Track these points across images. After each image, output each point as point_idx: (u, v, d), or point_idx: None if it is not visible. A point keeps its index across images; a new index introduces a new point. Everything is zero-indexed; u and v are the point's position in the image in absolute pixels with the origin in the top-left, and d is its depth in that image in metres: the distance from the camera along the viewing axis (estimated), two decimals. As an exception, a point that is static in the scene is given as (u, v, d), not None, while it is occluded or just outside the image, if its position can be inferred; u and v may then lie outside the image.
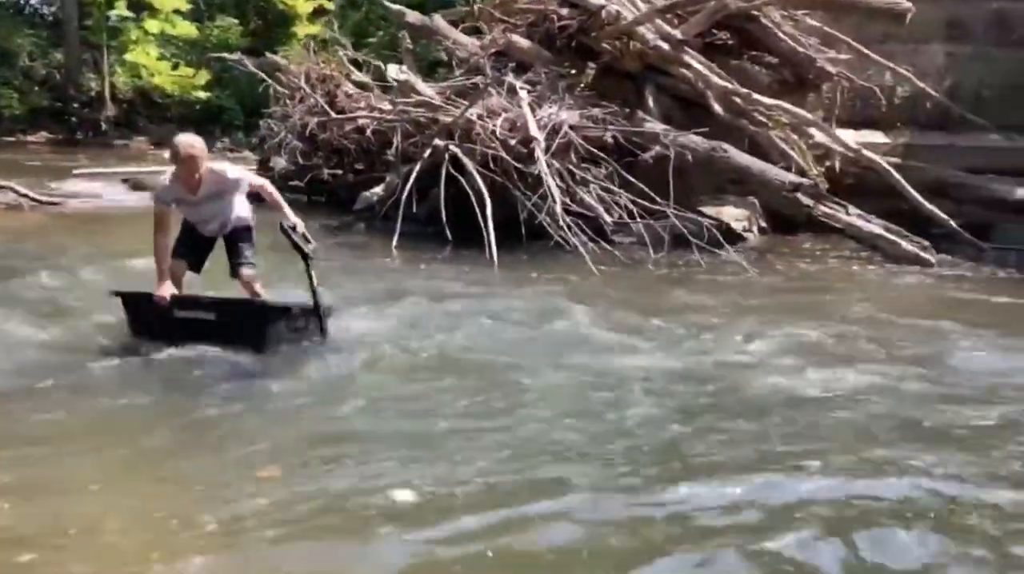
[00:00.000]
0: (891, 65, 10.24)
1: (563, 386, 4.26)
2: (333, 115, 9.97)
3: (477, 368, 4.45)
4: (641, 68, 9.51)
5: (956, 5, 11.25)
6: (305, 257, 4.62)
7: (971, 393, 4.28)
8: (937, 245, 8.36)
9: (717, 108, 9.07)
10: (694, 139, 8.63)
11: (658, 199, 8.03)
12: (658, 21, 9.36)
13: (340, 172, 10.18)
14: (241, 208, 4.86)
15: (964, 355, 4.93)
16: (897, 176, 8.92)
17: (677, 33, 9.25)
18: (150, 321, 4.62)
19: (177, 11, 20.18)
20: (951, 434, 3.76)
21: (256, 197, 4.88)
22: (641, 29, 9.24)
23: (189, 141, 4.59)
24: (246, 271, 4.84)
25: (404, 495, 2.96)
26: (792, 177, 8.58)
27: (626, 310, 5.73)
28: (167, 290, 4.57)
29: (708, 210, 8.83)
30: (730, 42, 9.86)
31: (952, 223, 8.85)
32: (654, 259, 7.69)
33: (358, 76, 10.90)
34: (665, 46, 9.18)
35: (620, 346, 4.89)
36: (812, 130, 9.42)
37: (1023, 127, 10.97)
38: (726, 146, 8.67)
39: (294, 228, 4.60)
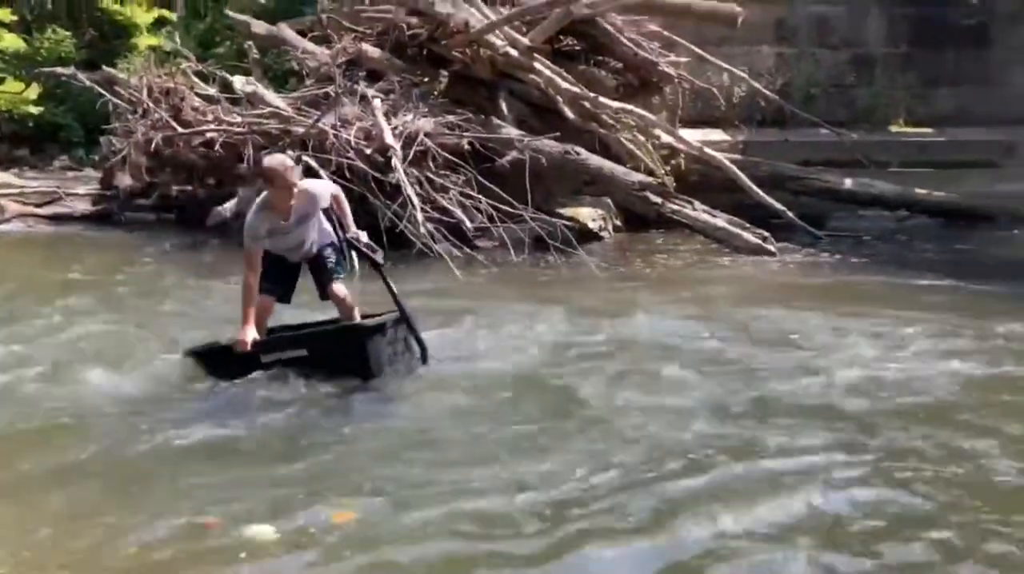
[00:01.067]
0: (728, 67, 10.82)
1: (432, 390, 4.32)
2: (179, 129, 9.62)
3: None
4: (493, 75, 9.68)
5: (782, 9, 12.06)
6: (378, 267, 4.40)
7: (817, 365, 4.62)
8: (777, 235, 8.86)
9: (568, 112, 9.36)
10: (548, 143, 8.85)
11: (516, 203, 8.19)
12: (506, 28, 9.54)
13: (190, 188, 9.84)
14: (324, 223, 4.51)
15: (805, 331, 5.30)
16: (738, 172, 9.43)
17: (525, 40, 9.46)
18: (234, 371, 4.29)
19: (1, 23, 18.90)
20: (798, 407, 4.05)
21: None
22: (490, 36, 9.40)
23: (282, 162, 4.28)
24: (339, 288, 4.50)
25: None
26: (640, 177, 8.95)
27: (499, 310, 5.86)
28: (249, 335, 4.22)
29: (566, 211, 9.08)
30: (577, 48, 10.17)
31: (790, 214, 9.42)
32: (516, 261, 7.86)
33: (204, 89, 10.56)
34: (514, 53, 9.38)
35: (502, 348, 4.99)
36: (657, 131, 9.84)
37: (847, 122, 11.88)
38: (579, 149, 8.95)
39: (358, 239, 4.39)
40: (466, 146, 8.73)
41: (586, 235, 8.69)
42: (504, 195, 8.28)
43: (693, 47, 10.53)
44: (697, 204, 8.93)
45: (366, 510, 3.00)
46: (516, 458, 3.46)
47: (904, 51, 12.50)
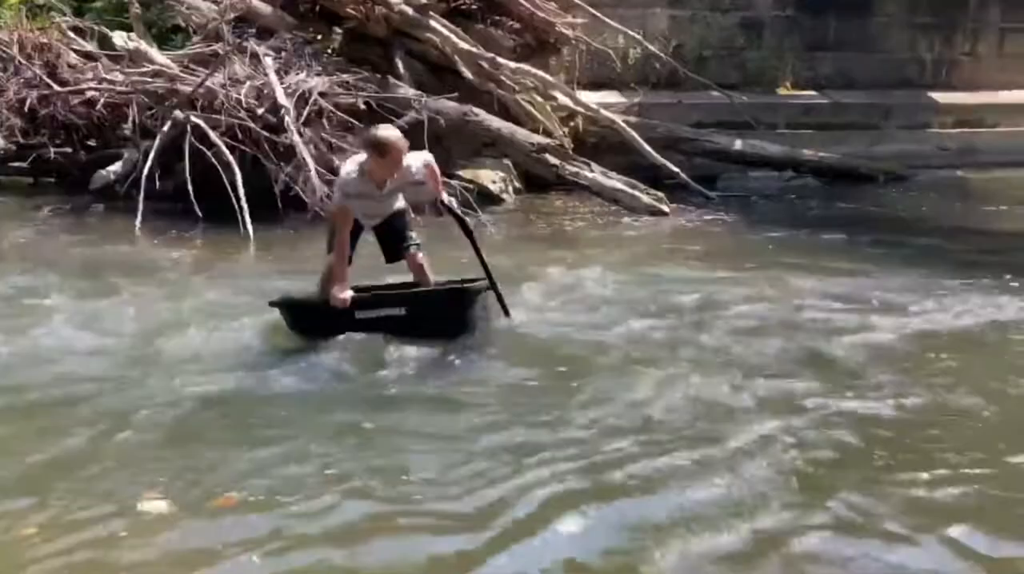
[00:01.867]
0: (623, 28, 10.92)
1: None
2: (56, 88, 9.10)
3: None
4: (389, 33, 9.49)
5: (675, -28, 12.21)
6: (471, 233, 4.40)
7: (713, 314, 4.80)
8: (672, 195, 9.09)
9: (467, 73, 9.27)
10: (446, 104, 8.77)
11: (414, 164, 8.11)
12: (402, -15, 9.36)
13: (70, 150, 9.34)
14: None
15: (701, 284, 5.49)
16: (633, 134, 9.59)
17: (421, -2, 9.31)
18: (323, 326, 4.26)
19: None
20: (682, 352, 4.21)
21: None
22: (385, -7, 9.20)
23: (397, 135, 4.21)
24: (417, 253, 4.48)
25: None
26: (538, 138, 8.99)
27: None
28: (346, 293, 4.22)
29: (466, 174, 9.06)
30: (474, 7, 10.05)
31: (683, 175, 9.66)
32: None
33: (82, 45, 9.99)
34: (409, 10, 9.22)
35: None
36: (555, 92, 9.88)
37: (738, 85, 12.20)
38: (477, 110, 8.91)
39: (452, 206, 4.42)
40: (362, 106, 8.57)
41: (487, 197, 8.69)
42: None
43: (589, 8, 10.57)
44: (594, 166, 9.03)
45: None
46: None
47: (790, 15, 12.87)
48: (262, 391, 3.84)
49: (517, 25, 10.16)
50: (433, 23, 9.32)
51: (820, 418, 3.48)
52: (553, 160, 8.90)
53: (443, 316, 4.34)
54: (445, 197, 4.49)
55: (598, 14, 10.53)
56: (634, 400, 3.70)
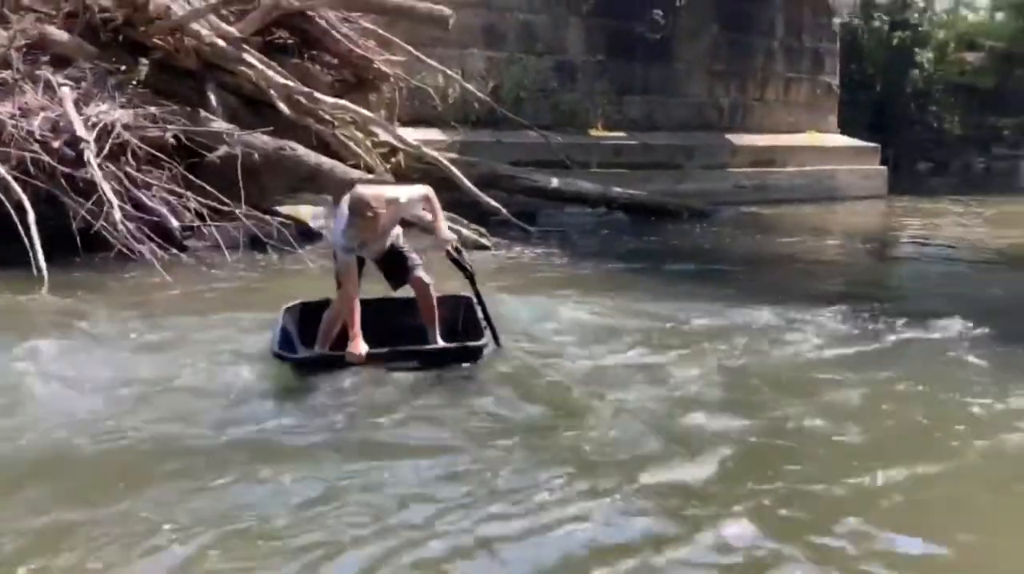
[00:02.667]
0: (441, 68, 11.08)
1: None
2: None
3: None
4: (200, 65, 9.16)
5: (491, 15, 12.58)
6: (471, 276, 4.52)
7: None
8: (493, 231, 9.26)
9: (283, 107, 9.08)
10: (261, 138, 8.55)
11: (227, 201, 7.84)
12: (212, 17, 9.08)
13: None
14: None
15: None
16: (454, 170, 9.70)
17: (234, 30, 9.07)
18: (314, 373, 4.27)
19: None
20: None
21: None
22: (195, 25, 8.89)
23: (373, 195, 4.24)
24: (424, 275, 4.53)
25: None
26: (360, 174, 8.90)
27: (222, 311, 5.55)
28: (363, 348, 4.20)
29: (285, 209, 8.84)
30: (290, 42, 9.90)
31: (504, 211, 9.88)
32: (231, 262, 7.53)
33: None
34: (222, 43, 8.95)
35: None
36: (375, 128, 9.86)
37: (552, 125, 12.67)
38: (294, 145, 8.73)
39: (459, 250, 4.49)
40: (171, 139, 8.20)
41: (307, 234, 8.52)
42: (215, 192, 7.89)
43: (408, 47, 10.66)
44: (416, 202, 9.05)
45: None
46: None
47: (601, 60, 13.57)
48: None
49: (335, 61, 10.12)
50: (246, 56, 9.09)
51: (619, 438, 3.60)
52: (375, 196, 8.83)
53: (455, 362, 4.48)
54: (444, 236, 4.50)
55: (417, 53, 10.64)
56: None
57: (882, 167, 16.43)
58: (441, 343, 4.58)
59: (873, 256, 10.10)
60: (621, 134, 13.37)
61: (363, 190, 4.35)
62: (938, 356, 4.84)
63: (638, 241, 9.91)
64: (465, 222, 8.80)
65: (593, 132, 13.21)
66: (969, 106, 27.28)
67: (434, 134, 11.30)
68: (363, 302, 4.41)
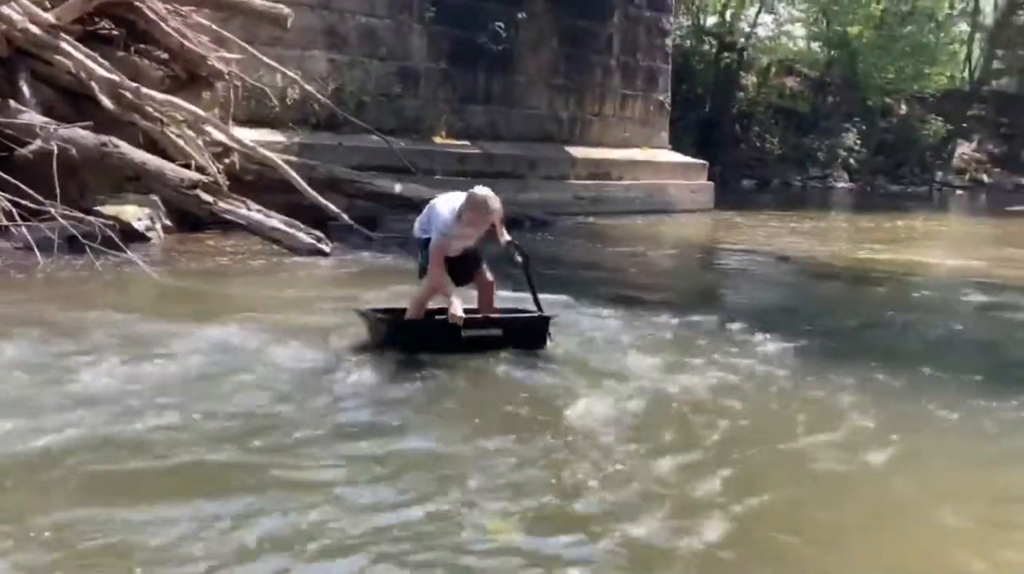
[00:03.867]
0: (280, 68, 10.80)
1: None
2: None
3: None
4: (12, 53, 8.49)
5: (332, 16, 12.37)
6: (528, 269, 5.04)
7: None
8: (333, 236, 9.07)
9: (106, 101, 8.56)
10: (81, 133, 8.01)
11: (42, 199, 7.28)
12: (26, 1, 8.44)
13: None
14: None
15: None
16: (292, 173, 9.46)
17: (50, 17, 8.46)
18: (431, 343, 4.79)
19: None
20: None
21: None
22: (4, 9, 8.23)
23: (496, 200, 4.77)
24: (489, 274, 5.13)
25: None
26: (189, 174, 8.51)
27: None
28: (461, 310, 4.70)
29: (107, 209, 8.30)
30: (115, 33, 9.36)
31: (345, 216, 9.72)
32: (43, 266, 6.98)
33: None
34: (36, 30, 8.34)
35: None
36: (208, 127, 9.47)
37: (397, 131, 12.60)
38: (118, 141, 8.23)
39: (516, 245, 5.04)
40: (-24, 131, 7.55)
41: (131, 235, 8.04)
42: (27, 190, 7.31)
43: (245, 45, 10.32)
44: (251, 204, 8.76)
45: None
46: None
47: (444, 68, 13.62)
48: None
49: (165, 56, 9.64)
50: (65, 46, 8.51)
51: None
52: (206, 197, 8.47)
53: (529, 336, 4.99)
54: (507, 236, 5.05)
55: (254, 51, 10.32)
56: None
57: (710, 183, 17.38)
58: (523, 313, 5.16)
59: (697, 263, 10.65)
60: (465, 142, 13.47)
61: (491, 192, 4.89)
62: (739, 349, 5.16)
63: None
64: (302, 226, 8.60)
65: (437, 139, 13.24)
66: (788, 128, 29.36)
67: (272, 135, 10.98)
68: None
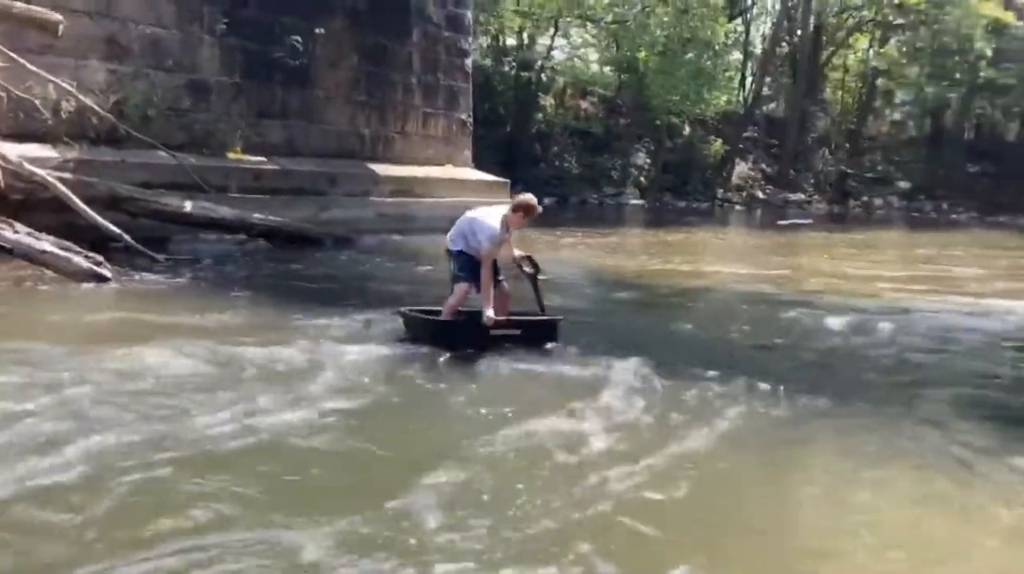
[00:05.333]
0: (52, 78, 9.98)
1: None
2: None
3: None
4: None
5: (113, 25, 11.59)
6: (536, 279, 5.90)
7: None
8: (116, 258, 8.48)
9: None
10: None
11: None
12: None
13: None
14: None
15: (139, 360, 5.12)
16: (66, 191, 8.76)
17: None
18: (463, 339, 5.68)
19: None
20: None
21: None
22: None
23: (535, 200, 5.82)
24: (508, 286, 6.02)
25: None
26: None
27: None
28: (494, 315, 5.63)
29: None
30: None
31: (127, 237, 9.11)
32: None
33: None
34: None
35: None
36: (-35, 141, 8.57)
37: (186, 146, 11.98)
38: None
39: (529, 256, 5.92)
40: None
41: None
42: None
43: (9, 52, 9.46)
44: (18, 226, 8.01)
45: None
46: None
47: (237, 82, 13.11)
48: None
49: (-89, 60, 8.64)
50: None
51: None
52: (-34, 219, 7.65)
53: (542, 336, 5.91)
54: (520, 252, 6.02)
55: (19, 59, 9.48)
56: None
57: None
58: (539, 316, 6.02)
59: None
60: (261, 158, 13.01)
61: (533, 197, 5.83)
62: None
63: (278, 269, 9.66)
64: (79, 249, 7.95)
65: (231, 155, 12.69)
66: (584, 148, 30.65)
67: (43, 150, 10.10)
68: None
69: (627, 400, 4.80)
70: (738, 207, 31.55)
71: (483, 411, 4.57)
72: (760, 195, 34.20)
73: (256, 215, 11.23)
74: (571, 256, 12.90)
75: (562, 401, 4.70)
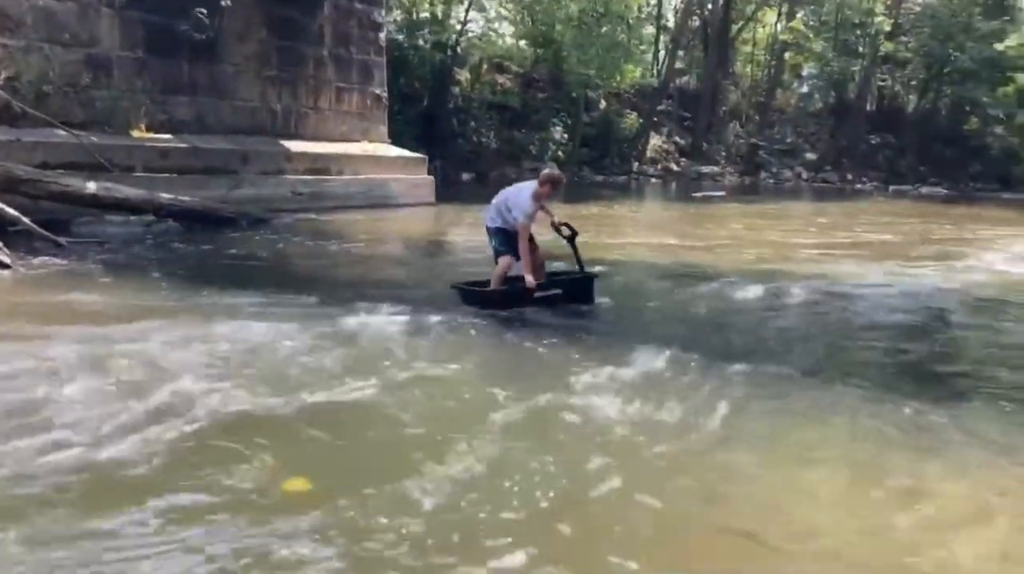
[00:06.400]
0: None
1: None
2: None
3: None
4: None
5: (3, -3, 10.97)
6: (574, 241, 6.60)
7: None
8: (15, 243, 8.08)
9: None
10: None
11: None
12: None
13: None
14: None
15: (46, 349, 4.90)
16: (-45, 173, 8.27)
17: None
18: (504, 303, 6.39)
19: None
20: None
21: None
22: None
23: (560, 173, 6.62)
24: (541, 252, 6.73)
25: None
26: None
27: None
28: (532, 278, 6.32)
29: None
30: None
31: (26, 220, 8.68)
32: None
33: None
34: None
35: None
36: None
37: (87, 124, 11.47)
38: None
39: (567, 223, 6.61)
40: None
41: None
42: None
43: None
44: (-95, 211, 7.55)
45: None
46: None
47: (141, 56, 12.59)
48: None
49: None
50: None
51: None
52: None
53: (581, 294, 6.62)
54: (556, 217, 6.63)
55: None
56: None
57: (430, 177, 17.62)
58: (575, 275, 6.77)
59: (417, 255, 10.72)
60: (168, 136, 12.55)
61: (559, 171, 6.53)
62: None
63: (190, 250, 9.36)
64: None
65: (136, 133, 12.20)
66: (502, 123, 30.56)
67: (-74, 130, 9.53)
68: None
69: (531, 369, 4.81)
70: (653, 180, 32.00)
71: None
72: (675, 168, 34.76)
73: (165, 195, 10.84)
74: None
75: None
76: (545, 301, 6.39)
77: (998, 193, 32.59)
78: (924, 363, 5.66)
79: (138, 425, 3.80)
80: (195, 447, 3.61)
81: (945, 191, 33.35)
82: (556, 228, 6.61)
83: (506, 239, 6.43)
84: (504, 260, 6.44)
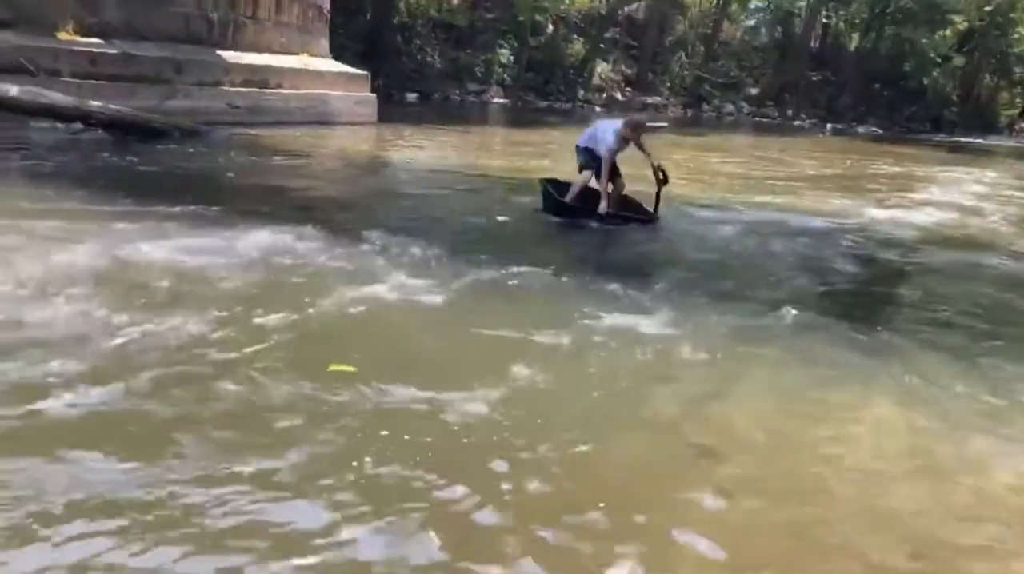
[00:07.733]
0: None
1: None
2: None
3: None
4: None
5: None
6: (662, 186, 7.55)
7: None
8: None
9: None
10: None
11: None
12: None
13: None
14: None
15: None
16: None
17: None
18: (566, 212, 7.43)
19: None
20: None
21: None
22: None
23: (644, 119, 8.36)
24: (624, 182, 7.68)
25: None
26: None
27: None
28: (607, 206, 7.36)
29: None
30: None
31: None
32: None
33: None
34: None
35: None
36: None
37: (9, 23, 10.88)
38: None
39: (661, 166, 7.50)
40: None
41: None
42: None
43: None
44: None
45: None
46: None
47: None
48: None
49: None
50: None
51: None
52: None
53: (644, 223, 7.45)
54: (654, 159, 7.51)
55: None
56: None
57: (372, 95, 17.25)
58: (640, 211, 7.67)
59: (358, 175, 10.55)
60: (98, 40, 11.98)
61: (644, 116, 7.78)
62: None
63: (121, 162, 9.03)
64: None
65: (62, 35, 11.62)
66: (447, 42, 29.94)
67: None
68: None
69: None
70: (598, 108, 31.87)
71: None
72: (619, 97, 34.66)
73: (94, 102, 10.41)
74: (434, 155, 12.71)
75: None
76: (609, 223, 7.29)
77: (930, 135, 33.37)
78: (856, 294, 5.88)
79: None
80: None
81: (880, 131, 34.02)
82: (654, 171, 7.41)
83: (590, 159, 7.48)
84: (584, 175, 7.52)
